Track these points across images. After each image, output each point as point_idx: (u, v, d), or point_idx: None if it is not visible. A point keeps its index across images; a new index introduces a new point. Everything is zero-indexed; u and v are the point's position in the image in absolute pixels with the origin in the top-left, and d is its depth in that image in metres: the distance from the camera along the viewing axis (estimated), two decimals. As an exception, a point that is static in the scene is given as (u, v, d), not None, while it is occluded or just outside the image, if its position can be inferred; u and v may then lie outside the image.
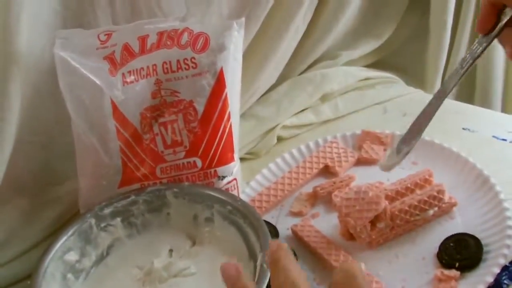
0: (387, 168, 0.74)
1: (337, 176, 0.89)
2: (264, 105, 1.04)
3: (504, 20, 0.61)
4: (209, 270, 0.73)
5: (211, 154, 0.79)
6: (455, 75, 0.67)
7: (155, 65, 0.76)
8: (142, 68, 0.76)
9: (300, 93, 1.05)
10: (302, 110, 1.04)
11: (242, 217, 0.73)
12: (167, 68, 0.76)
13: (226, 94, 0.78)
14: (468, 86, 1.19)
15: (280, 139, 1.01)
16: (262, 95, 1.05)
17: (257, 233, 0.70)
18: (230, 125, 0.80)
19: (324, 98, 1.06)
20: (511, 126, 0.97)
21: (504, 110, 1.22)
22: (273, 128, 1.00)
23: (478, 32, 0.64)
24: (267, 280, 0.63)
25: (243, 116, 1.01)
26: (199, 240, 0.77)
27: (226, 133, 0.80)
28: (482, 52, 0.65)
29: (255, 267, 0.68)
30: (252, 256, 0.70)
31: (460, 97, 1.18)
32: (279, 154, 0.95)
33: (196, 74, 0.76)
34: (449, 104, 1.05)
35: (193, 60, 0.76)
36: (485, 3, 0.62)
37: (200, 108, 0.77)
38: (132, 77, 0.75)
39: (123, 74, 0.74)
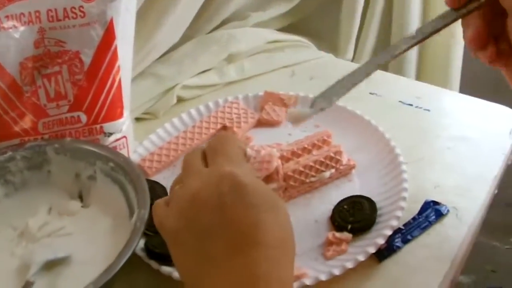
0: (295, 119, 0.66)
1: (235, 137, 0.84)
2: (165, 64, 0.98)
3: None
4: (87, 230, 0.69)
5: (97, 109, 0.75)
6: (400, 45, 0.59)
7: (38, 11, 0.70)
8: (23, 14, 0.70)
9: (204, 52, 0.99)
10: (206, 71, 0.99)
11: (124, 174, 0.69)
12: (52, 16, 0.71)
13: (116, 46, 0.74)
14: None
15: (180, 99, 0.96)
16: (164, 54, 0.99)
17: (136, 190, 0.66)
18: (120, 79, 0.76)
19: (230, 59, 1.01)
20: (420, 92, 0.95)
21: (418, 78, 1.20)
22: (173, 87, 0.94)
23: (447, 4, 0.57)
24: (138, 239, 0.59)
25: (142, 74, 0.96)
26: (82, 199, 0.74)
27: (114, 87, 0.75)
28: (443, 27, 0.59)
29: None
30: (132, 214, 0.66)
31: (373, 64, 1.14)
32: (178, 115, 0.89)
33: (84, 24, 0.71)
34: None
35: (81, 9, 0.71)
36: None
37: (87, 59, 0.73)
38: (11, 23, 0.69)
39: (-1, 17, 0.68)
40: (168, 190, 0.76)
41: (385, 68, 1.17)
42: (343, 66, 1.03)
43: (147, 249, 0.66)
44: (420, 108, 0.90)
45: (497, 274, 1.65)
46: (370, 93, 0.95)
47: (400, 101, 0.93)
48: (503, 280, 1.64)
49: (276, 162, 0.71)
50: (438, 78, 1.21)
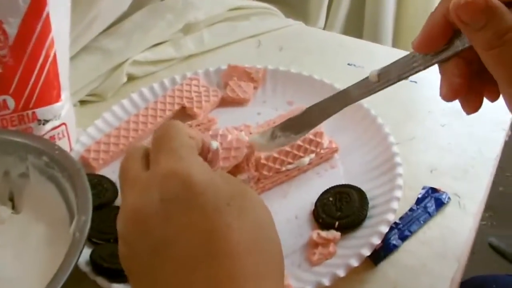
0: (257, 147, 0.59)
1: (196, 119, 0.72)
2: (113, 37, 0.85)
3: (460, 47, 0.43)
4: (18, 242, 0.57)
5: (27, 92, 0.63)
6: (368, 85, 0.50)
7: None
8: None
9: (157, 22, 0.86)
10: (160, 44, 0.86)
11: (60, 170, 0.57)
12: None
13: (48, 14, 0.62)
14: (357, 20, 1.05)
15: (131, 77, 0.83)
16: (111, 26, 0.86)
17: (76, 191, 0.54)
18: (55, 55, 0.64)
19: (187, 30, 0.88)
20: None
21: (395, 46, 1.09)
22: (122, 64, 0.82)
23: (415, 50, 0.45)
24: (78, 254, 0.47)
25: (85, 49, 0.82)
26: (13, 203, 0.61)
27: (48, 65, 0.64)
28: (411, 75, 0.47)
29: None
30: (73, 219, 0.53)
31: (347, 32, 1.04)
32: (129, 95, 0.76)
33: (6, -13, 0.59)
34: (333, 37, 0.91)
35: (1, -32, 0.59)
36: (437, 16, 0.43)
37: (12, 31, 0.61)
38: None
39: None
40: (117, 185, 0.65)
41: (359, 35, 1.07)
42: (315, 35, 0.92)
43: (93, 262, 0.54)
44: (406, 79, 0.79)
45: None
46: (348, 64, 0.84)
47: (381, 72, 0.82)
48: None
49: (246, 149, 0.59)
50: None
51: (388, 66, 0.48)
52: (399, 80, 0.47)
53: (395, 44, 1.11)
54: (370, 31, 1.05)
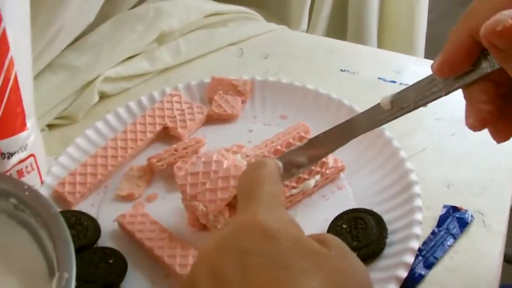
0: None
1: (181, 141, 0.64)
2: (80, 51, 0.76)
3: (488, 69, 0.36)
4: None
5: None
6: (379, 113, 0.44)
7: None
8: None
9: (128, 33, 0.78)
10: (132, 57, 0.78)
11: (32, 214, 0.48)
12: None
13: (4, 30, 0.53)
14: (339, 20, 0.98)
15: (103, 96, 0.75)
16: (77, 40, 0.77)
17: (54, 240, 0.45)
18: (16, 77, 0.56)
19: (161, 40, 0.80)
20: (397, 65, 0.78)
21: (380, 46, 1.03)
22: (92, 81, 0.73)
23: (436, 73, 0.39)
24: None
25: (49, 67, 0.74)
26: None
27: (9, 88, 0.55)
28: (430, 101, 0.41)
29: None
30: (53, 273, 0.45)
31: (330, 33, 0.97)
32: (102, 116, 0.68)
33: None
34: (321, 41, 0.84)
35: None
36: (461, 35, 0.36)
37: None
38: None
39: None
40: (98, 222, 0.57)
41: (342, 37, 1.00)
42: (301, 39, 0.85)
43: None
44: (406, 85, 0.72)
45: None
46: (341, 70, 0.77)
47: (379, 78, 0.75)
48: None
49: (246, 176, 0.52)
50: (400, 45, 1.05)
51: (403, 91, 0.42)
52: (415, 108, 0.41)
53: (379, 45, 1.05)
54: (354, 31, 0.99)
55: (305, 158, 0.48)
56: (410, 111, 0.42)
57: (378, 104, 0.43)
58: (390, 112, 0.43)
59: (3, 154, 0.56)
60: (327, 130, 0.48)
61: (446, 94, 0.39)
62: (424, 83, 0.40)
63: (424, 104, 0.41)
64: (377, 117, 0.44)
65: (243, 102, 0.69)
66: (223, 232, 0.37)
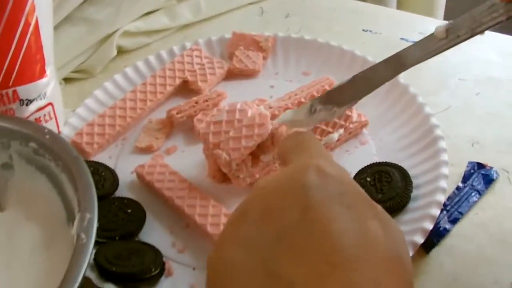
0: (294, 124, 0.50)
1: (201, 94, 0.63)
2: (100, 5, 0.75)
3: None
4: (4, 244, 0.47)
5: (5, 67, 0.53)
6: (433, 43, 0.41)
7: None
8: None
9: (148, -12, 0.77)
10: (152, 12, 0.77)
11: (53, 158, 0.48)
12: None
13: None
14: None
15: (122, 50, 0.74)
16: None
17: (75, 183, 0.45)
18: (37, 22, 0.55)
19: (181, -4, 0.79)
20: (421, 27, 0.76)
21: (399, 7, 1.02)
22: (110, 35, 0.72)
23: None
24: (87, 259, 0.38)
25: (69, 19, 0.73)
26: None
27: (29, 34, 0.55)
28: (488, 27, 0.38)
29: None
30: (71, 218, 0.45)
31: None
32: (121, 70, 0.67)
33: None
34: (341, 1, 0.82)
35: None
36: None
37: None
38: None
39: None
40: (116, 173, 0.56)
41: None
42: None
43: (100, 267, 0.45)
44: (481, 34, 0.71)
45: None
46: (364, 30, 0.76)
47: (402, 38, 0.74)
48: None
49: (271, 125, 0.51)
50: (419, 7, 1.04)
51: (458, 19, 0.40)
52: (472, 35, 0.39)
53: (399, 6, 1.03)
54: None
55: (348, 96, 0.46)
56: (466, 39, 0.39)
57: (431, 34, 0.41)
58: (445, 41, 0.40)
59: (21, 100, 0.55)
60: (370, 67, 0.46)
61: (508, 19, 0.37)
62: (483, 8, 0.38)
63: (482, 31, 0.39)
64: (431, 47, 0.41)
65: (264, 58, 0.68)
66: (279, 172, 0.36)
